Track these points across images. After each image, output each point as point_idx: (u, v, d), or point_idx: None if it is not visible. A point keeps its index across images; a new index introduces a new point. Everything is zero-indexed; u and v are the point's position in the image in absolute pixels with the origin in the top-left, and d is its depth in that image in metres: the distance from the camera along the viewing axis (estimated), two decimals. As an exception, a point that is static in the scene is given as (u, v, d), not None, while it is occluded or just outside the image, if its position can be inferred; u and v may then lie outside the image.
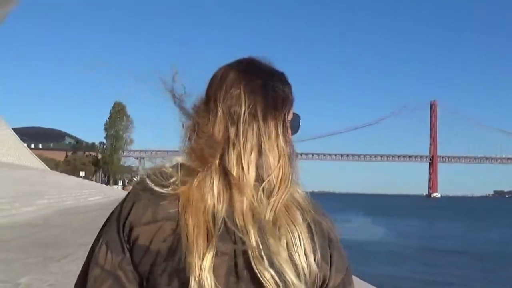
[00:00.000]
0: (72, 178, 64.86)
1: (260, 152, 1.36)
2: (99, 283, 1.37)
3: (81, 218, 24.75)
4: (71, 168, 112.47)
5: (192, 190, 1.34)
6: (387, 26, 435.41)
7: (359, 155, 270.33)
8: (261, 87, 1.40)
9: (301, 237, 1.34)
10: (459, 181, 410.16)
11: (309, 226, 1.38)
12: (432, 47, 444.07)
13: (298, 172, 1.42)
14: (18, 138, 75.29)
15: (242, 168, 1.34)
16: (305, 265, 1.33)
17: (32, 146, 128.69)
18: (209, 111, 1.39)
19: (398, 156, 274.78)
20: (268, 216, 1.33)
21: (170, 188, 1.35)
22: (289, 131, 1.45)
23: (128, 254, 1.37)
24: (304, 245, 1.34)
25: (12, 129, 75.25)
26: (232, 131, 1.36)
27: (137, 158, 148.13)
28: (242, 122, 1.36)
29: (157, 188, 1.35)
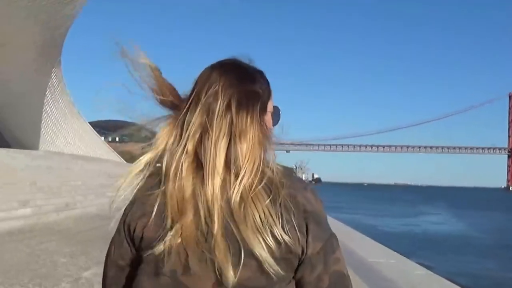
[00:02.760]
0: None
1: (232, 140, 1.55)
2: (107, 271, 1.77)
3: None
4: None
5: (170, 180, 1.57)
6: (463, 20, 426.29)
7: (437, 147, 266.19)
8: (237, 84, 1.60)
9: (266, 214, 1.51)
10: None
11: (280, 202, 1.54)
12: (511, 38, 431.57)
13: (273, 156, 1.60)
14: (95, 131, 76.73)
15: (213, 154, 1.53)
16: (271, 239, 1.49)
17: (109, 139, 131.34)
18: (191, 106, 1.61)
19: (477, 148, 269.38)
20: (234, 196, 1.52)
21: (155, 183, 1.61)
22: (269, 121, 1.69)
23: (127, 246, 1.67)
24: (270, 221, 1.50)
25: (89, 122, 76.74)
26: (208, 121, 1.56)
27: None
28: (217, 114, 1.56)
29: (146, 192, 1.62)
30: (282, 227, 1.50)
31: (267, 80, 1.70)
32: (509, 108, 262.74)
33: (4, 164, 24.07)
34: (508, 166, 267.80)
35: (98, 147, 73.62)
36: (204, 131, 1.55)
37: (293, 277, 1.58)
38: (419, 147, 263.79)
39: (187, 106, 1.61)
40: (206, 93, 1.58)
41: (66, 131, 60.68)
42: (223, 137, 1.53)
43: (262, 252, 1.47)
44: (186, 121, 1.58)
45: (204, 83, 1.61)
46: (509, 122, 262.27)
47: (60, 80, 55.53)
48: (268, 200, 1.52)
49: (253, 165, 1.54)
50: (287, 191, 1.55)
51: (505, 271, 24.77)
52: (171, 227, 1.51)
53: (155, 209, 1.56)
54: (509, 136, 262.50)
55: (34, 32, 38.87)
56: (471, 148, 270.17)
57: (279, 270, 1.49)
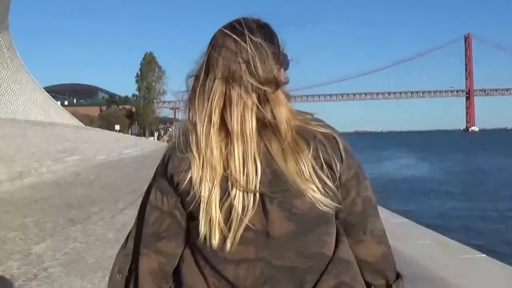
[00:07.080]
0: (106, 132, 64.28)
1: (262, 102, 1.57)
2: (160, 223, 1.67)
3: (112, 173, 23.92)
4: (105, 123, 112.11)
5: (201, 146, 1.58)
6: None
7: (395, 93, 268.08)
8: (255, 44, 1.57)
9: (309, 160, 1.56)
10: (497, 114, 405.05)
11: (318, 141, 1.60)
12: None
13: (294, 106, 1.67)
14: (50, 96, 74.85)
15: (243, 119, 1.55)
16: (317, 179, 1.57)
17: (66, 103, 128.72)
18: (209, 73, 1.59)
19: (435, 92, 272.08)
20: (276, 150, 1.56)
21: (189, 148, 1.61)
22: (284, 73, 1.67)
23: (178, 196, 1.64)
24: (313, 165, 1.57)
25: (45, 87, 74.84)
26: (230, 88, 1.56)
27: (172, 109, 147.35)
28: (241, 78, 1.55)
29: (179, 153, 1.63)
30: (324, 163, 1.59)
31: (275, 32, 1.67)
32: (465, 50, 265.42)
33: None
34: (466, 108, 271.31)
35: (55, 111, 71.84)
36: (228, 97, 1.56)
37: None
38: (376, 93, 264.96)
39: (203, 73, 1.60)
40: (223, 57, 1.57)
41: (19, 97, 58.77)
42: (251, 101, 1.56)
43: (314, 194, 1.57)
44: (207, 89, 1.58)
45: (220, 46, 1.59)
46: (465, 64, 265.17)
47: (10, 44, 53.66)
48: (306, 145, 1.58)
49: (288, 120, 1.58)
50: (319, 131, 1.62)
51: (472, 210, 24.81)
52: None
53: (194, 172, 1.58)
54: (466, 78, 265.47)
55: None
56: (429, 92, 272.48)
57: (333, 203, 1.60)
